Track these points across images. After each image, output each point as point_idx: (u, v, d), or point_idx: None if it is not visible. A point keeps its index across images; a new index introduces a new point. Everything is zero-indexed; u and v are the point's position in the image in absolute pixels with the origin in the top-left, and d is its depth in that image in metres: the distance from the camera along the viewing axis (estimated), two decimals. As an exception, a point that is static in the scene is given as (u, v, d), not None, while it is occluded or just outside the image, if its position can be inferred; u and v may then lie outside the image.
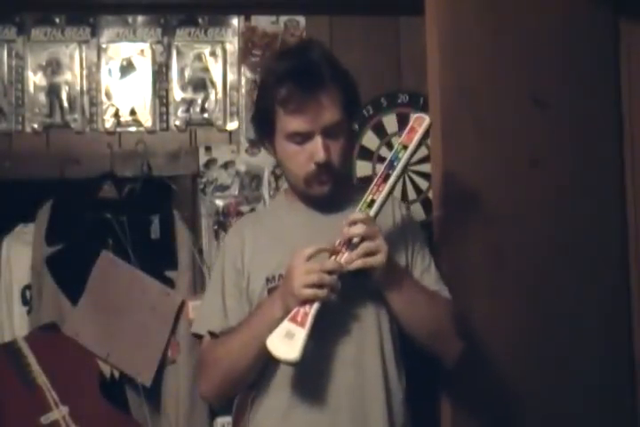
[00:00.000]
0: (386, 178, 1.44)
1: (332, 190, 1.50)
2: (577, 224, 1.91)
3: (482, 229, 1.79)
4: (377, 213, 1.42)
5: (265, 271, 1.51)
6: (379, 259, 1.37)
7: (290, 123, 1.45)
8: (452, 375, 1.67)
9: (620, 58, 2.05)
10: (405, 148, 1.45)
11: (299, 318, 1.33)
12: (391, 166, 1.44)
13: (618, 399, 1.95)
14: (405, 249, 1.55)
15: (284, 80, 1.44)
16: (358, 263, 1.36)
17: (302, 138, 1.45)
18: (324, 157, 1.43)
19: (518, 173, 1.85)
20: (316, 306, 1.34)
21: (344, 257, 1.37)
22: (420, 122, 1.47)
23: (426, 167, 1.88)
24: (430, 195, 2.00)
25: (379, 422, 1.45)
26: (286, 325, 1.34)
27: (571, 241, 1.90)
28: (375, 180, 1.45)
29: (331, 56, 1.51)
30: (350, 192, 1.58)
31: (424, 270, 1.56)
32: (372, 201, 1.42)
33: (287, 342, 1.32)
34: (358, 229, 1.37)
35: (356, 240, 1.37)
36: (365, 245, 1.36)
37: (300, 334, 1.32)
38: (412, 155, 1.45)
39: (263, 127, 1.53)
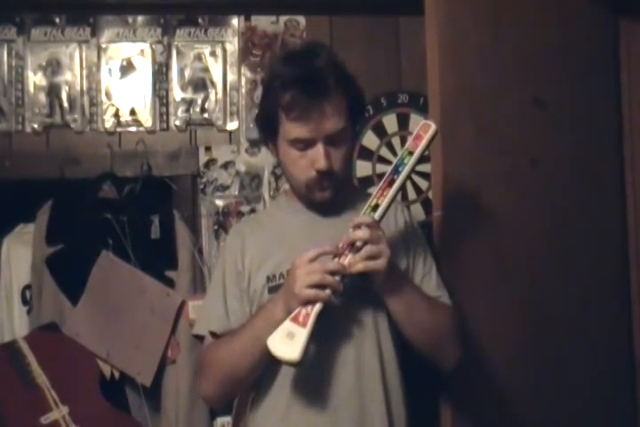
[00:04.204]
0: (391, 183, 1.44)
1: (334, 196, 1.50)
2: (577, 224, 1.91)
3: (481, 229, 1.78)
4: (381, 218, 1.42)
5: (266, 270, 1.51)
6: (380, 263, 1.36)
7: (292, 129, 1.44)
8: (453, 376, 1.66)
9: (619, 58, 2.05)
10: (411, 154, 1.45)
11: (300, 319, 1.33)
12: (396, 171, 1.45)
13: (618, 399, 1.95)
14: (407, 254, 1.55)
15: (289, 86, 1.43)
16: (360, 266, 1.36)
17: (304, 144, 1.45)
18: (326, 165, 1.44)
19: (518, 173, 1.85)
20: (317, 307, 1.33)
21: (347, 259, 1.37)
22: (427, 129, 1.47)
23: (426, 167, 1.87)
24: (430, 195, 2.00)
25: (378, 422, 1.45)
26: (287, 325, 1.33)
27: (571, 241, 1.90)
28: (380, 184, 1.45)
29: (337, 62, 1.49)
30: (350, 195, 1.58)
31: (425, 275, 1.56)
32: (377, 205, 1.42)
33: (288, 342, 1.31)
34: (363, 233, 1.36)
35: (359, 244, 1.37)
36: (368, 249, 1.36)
37: (301, 335, 1.31)
38: (417, 161, 1.46)
39: (266, 129, 1.53)
